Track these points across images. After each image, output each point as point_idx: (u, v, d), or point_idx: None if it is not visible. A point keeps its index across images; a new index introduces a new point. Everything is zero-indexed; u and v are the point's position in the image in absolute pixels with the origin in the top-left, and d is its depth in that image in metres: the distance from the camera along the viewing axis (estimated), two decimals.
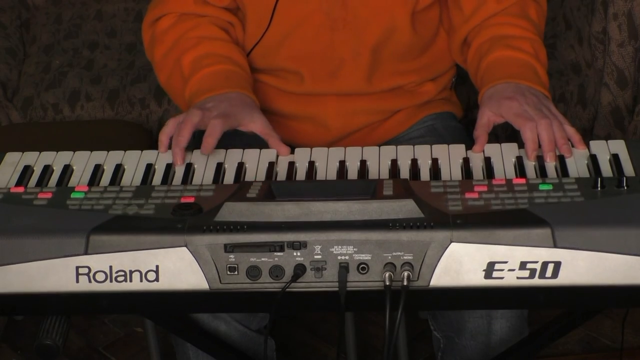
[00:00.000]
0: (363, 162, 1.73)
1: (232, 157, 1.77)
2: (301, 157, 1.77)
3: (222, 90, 1.86)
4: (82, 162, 1.75)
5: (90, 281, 1.45)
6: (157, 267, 1.45)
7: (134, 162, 1.75)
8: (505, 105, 1.79)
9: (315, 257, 1.44)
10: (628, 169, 1.65)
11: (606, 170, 1.66)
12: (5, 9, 3.08)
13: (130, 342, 2.68)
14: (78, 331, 2.69)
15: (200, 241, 1.44)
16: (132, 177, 1.72)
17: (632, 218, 1.45)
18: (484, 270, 1.43)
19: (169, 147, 1.77)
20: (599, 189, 1.52)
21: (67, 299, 1.47)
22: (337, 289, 1.44)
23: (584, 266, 1.42)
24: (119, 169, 1.73)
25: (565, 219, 1.44)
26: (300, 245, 1.44)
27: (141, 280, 1.45)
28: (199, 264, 1.44)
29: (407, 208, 1.45)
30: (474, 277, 1.43)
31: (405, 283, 1.42)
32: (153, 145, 2.59)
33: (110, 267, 1.45)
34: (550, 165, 1.69)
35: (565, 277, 1.43)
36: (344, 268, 1.44)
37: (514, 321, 1.88)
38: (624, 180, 1.53)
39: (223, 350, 1.89)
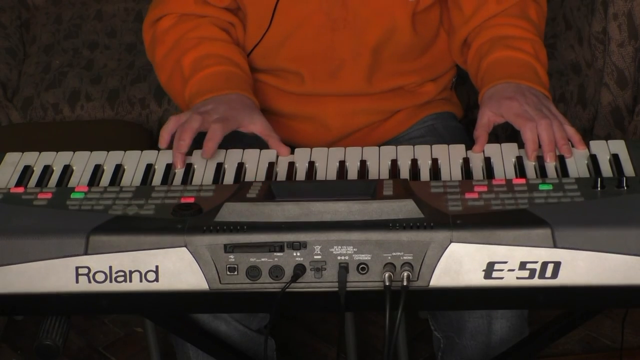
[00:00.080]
0: (363, 162, 1.73)
1: (232, 158, 1.77)
2: (301, 157, 1.77)
3: (222, 92, 1.87)
4: (82, 162, 1.75)
5: (90, 281, 1.45)
6: (157, 267, 1.45)
7: (134, 163, 1.75)
8: (505, 105, 1.79)
9: (315, 257, 1.44)
10: (628, 169, 1.65)
11: (606, 170, 1.66)
12: (5, 9, 3.08)
13: (130, 342, 2.68)
14: (78, 331, 2.69)
15: (200, 241, 1.44)
16: (132, 177, 1.72)
17: (632, 218, 1.45)
18: (483, 271, 1.43)
19: (169, 147, 1.77)
20: (599, 189, 1.52)
21: (67, 299, 1.47)
22: (337, 289, 1.44)
23: (583, 266, 1.42)
24: (119, 169, 1.73)
25: (565, 219, 1.44)
26: (300, 246, 1.44)
27: (141, 281, 1.45)
28: (198, 264, 1.44)
29: (407, 208, 1.45)
30: (473, 277, 1.43)
31: (405, 283, 1.42)
32: (153, 145, 2.59)
33: (110, 268, 1.45)
34: (550, 165, 1.69)
35: (565, 277, 1.43)
36: (343, 268, 1.44)
37: (514, 321, 1.88)
38: (624, 180, 1.53)
39: (223, 350, 1.89)
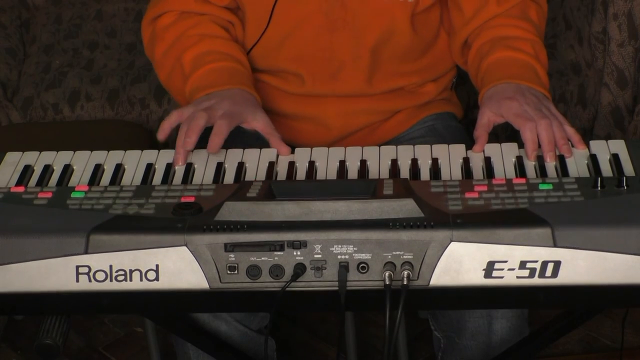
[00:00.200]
0: (363, 162, 1.73)
1: (232, 157, 1.77)
2: (301, 157, 1.77)
3: (225, 87, 1.86)
4: (82, 162, 1.75)
5: (90, 281, 1.45)
6: (157, 266, 1.45)
7: (134, 162, 1.75)
8: (505, 105, 1.79)
9: (315, 256, 1.44)
10: (628, 169, 1.65)
11: (606, 170, 1.66)
12: (5, 9, 3.08)
13: (130, 342, 2.68)
14: (78, 331, 2.69)
15: (201, 241, 1.44)
16: (132, 176, 1.72)
17: (632, 218, 1.45)
18: (483, 270, 1.43)
19: (171, 142, 1.77)
20: (599, 188, 1.53)
21: (67, 299, 1.47)
22: (337, 288, 1.44)
23: (583, 266, 1.42)
24: (119, 169, 1.73)
25: (565, 218, 1.44)
26: (300, 245, 1.44)
27: (141, 280, 1.45)
28: (199, 264, 1.44)
29: (407, 208, 1.45)
30: (473, 277, 1.43)
31: (405, 282, 1.42)
32: (153, 145, 2.59)
33: (111, 267, 1.45)
34: (550, 165, 1.69)
35: (565, 277, 1.43)
36: (343, 267, 1.44)
37: (514, 321, 1.88)
38: (624, 180, 1.53)
39: (223, 350, 1.89)
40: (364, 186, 1.55)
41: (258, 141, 1.84)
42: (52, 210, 1.53)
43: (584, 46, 2.62)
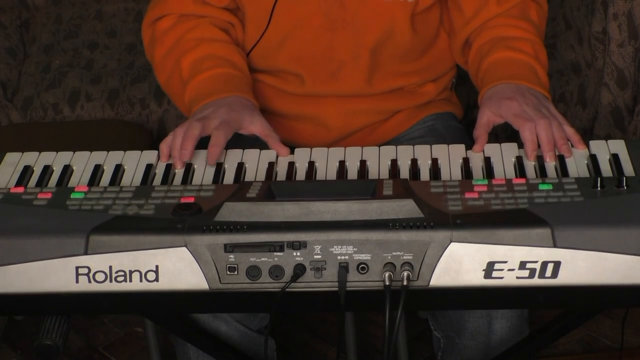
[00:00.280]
0: (363, 162, 1.73)
1: (232, 157, 1.77)
2: (301, 157, 1.77)
3: (221, 95, 1.86)
4: (82, 162, 1.75)
5: (90, 281, 1.45)
6: (157, 267, 1.45)
7: (134, 162, 1.75)
8: (504, 105, 1.79)
9: (315, 257, 1.44)
10: (628, 169, 1.65)
11: (606, 170, 1.66)
12: (5, 9, 3.08)
13: (130, 342, 2.68)
14: (78, 331, 2.69)
15: (200, 241, 1.44)
16: (132, 177, 1.72)
17: (632, 218, 1.45)
18: (483, 270, 1.43)
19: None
20: (599, 189, 1.52)
21: (67, 299, 1.47)
22: (337, 289, 1.44)
23: (583, 266, 1.42)
24: (119, 169, 1.73)
25: (565, 219, 1.44)
26: (300, 245, 1.44)
27: (141, 280, 1.45)
28: (198, 264, 1.44)
29: (407, 208, 1.45)
30: (473, 277, 1.43)
31: (405, 283, 1.42)
32: (153, 145, 2.59)
33: (110, 267, 1.45)
34: (550, 165, 1.69)
35: (565, 277, 1.43)
36: (343, 268, 1.44)
37: (514, 321, 1.88)
38: (624, 180, 1.53)
39: (223, 350, 1.89)
40: (363, 186, 1.55)
41: (258, 142, 1.84)
42: (52, 210, 1.53)
43: (584, 46, 2.62)
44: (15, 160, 1.75)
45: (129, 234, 1.45)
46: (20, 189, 1.61)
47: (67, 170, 1.72)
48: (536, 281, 1.43)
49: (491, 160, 1.72)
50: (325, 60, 1.98)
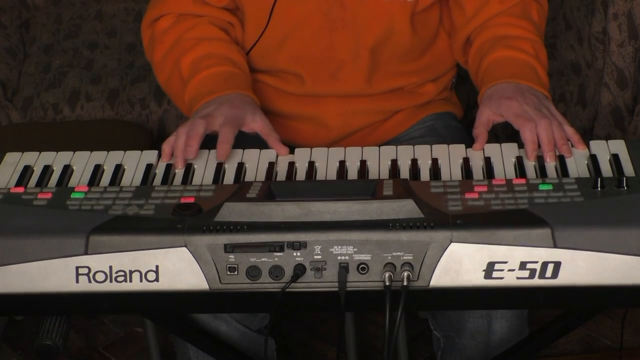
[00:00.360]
0: (363, 162, 1.73)
1: (232, 157, 1.77)
2: (301, 157, 1.77)
3: (222, 93, 1.87)
4: (82, 162, 1.75)
5: (90, 281, 1.45)
6: (157, 267, 1.45)
7: (134, 162, 1.75)
8: (505, 104, 1.79)
9: (315, 257, 1.44)
10: (628, 169, 1.65)
11: (606, 170, 1.66)
12: (5, 9, 3.08)
13: (130, 342, 2.68)
14: (78, 331, 2.69)
15: (200, 241, 1.44)
16: (132, 177, 1.72)
17: (632, 218, 1.45)
18: (483, 271, 1.43)
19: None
20: (599, 189, 1.52)
21: (67, 299, 1.47)
22: (337, 289, 1.44)
23: (584, 266, 1.42)
24: (119, 169, 1.73)
25: (565, 219, 1.44)
26: (300, 246, 1.44)
27: (141, 281, 1.45)
28: (198, 264, 1.44)
29: (407, 208, 1.45)
30: (473, 277, 1.43)
31: (405, 283, 1.42)
32: (153, 145, 2.59)
33: (110, 268, 1.45)
34: (550, 165, 1.69)
35: (565, 277, 1.43)
36: (343, 268, 1.44)
37: (514, 321, 1.88)
38: (624, 180, 1.53)
39: (223, 350, 1.89)
40: (363, 187, 1.55)
41: (258, 142, 1.84)
42: (52, 211, 1.53)
43: (584, 46, 2.62)
44: (15, 160, 1.75)
45: (129, 234, 1.45)
46: (20, 189, 1.61)
47: (67, 170, 1.72)
48: (536, 281, 1.43)
49: (491, 160, 1.72)
50: (325, 60, 1.98)
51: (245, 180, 1.71)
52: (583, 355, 2.58)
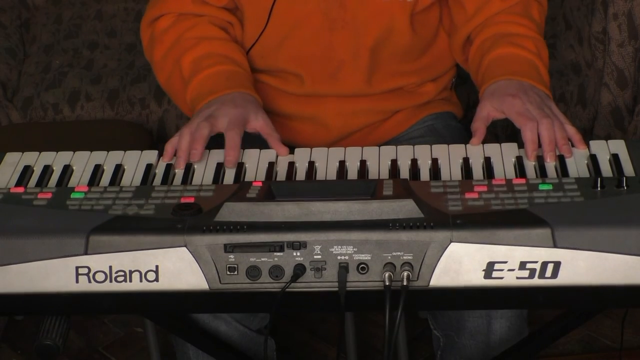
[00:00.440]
0: (363, 162, 1.73)
1: None
2: (301, 157, 1.77)
3: (224, 92, 1.87)
4: (82, 162, 1.75)
5: (90, 281, 1.45)
6: (156, 267, 1.45)
7: (134, 162, 1.75)
8: (507, 102, 1.79)
9: (315, 257, 1.44)
10: (628, 169, 1.65)
11: (606, 170, 1.66)
12: (5, 9, 3.08)
13: (130, 342, 2.68)
14: (78, 331, 2.69)
15: (200, 241, 1.44)
16: (132, 177, 1.72)
17: (632, 218, 1.45)
18: (483, 270, 1.43)
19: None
20: (599, 189, 1.52)
21: (67, 299, 1.47)
22: (337, 289, 1.44)
23: (583, 266, 1.42)
24: (119, 169, 1.73)
25: (565, 219, 1.44)
26: (300, 246, 1.44)
27: (141, 281, 1.45)
28: (198, 264, 1.44)
29: (407, 208, 1.45)
30: (473, 277, 1.43)
31: (405, 283, 1.42)
32: (153, 145, 2.59)
33: (110, 267, 1.45)
34: (550, 165, 1.69)
35: (565, 277, 1.43)
36: (343, 268, 1.44)
37: (514, 321, 1.88)
38: (624, 180, 1.53)
39: (223, 350, 1.89)
40: (363, 187, 1.55)
41: (258, 141, 1.84)
42: (52, 211, 1.53)
43: (584, 46, 2.62)
44: (15, 160, 1.75)
45: (129, 234, 1.45)
46: (20, 189, 1.61)
47: (67, 170, 1.72)
48: (536, 281, 1.43)
49: (491, 160, 1.72)
50: (324, 60, 1.98)
51: (245, 180, 1.71)
52: (583, 355, 2.58)
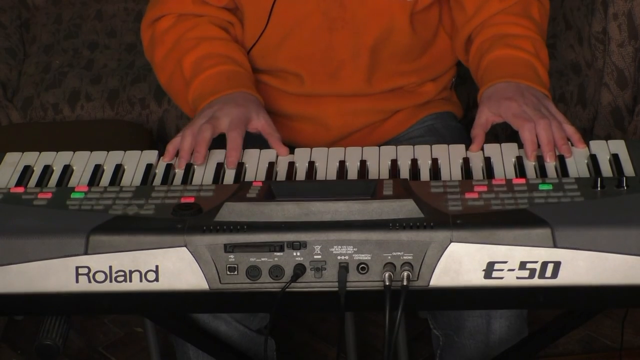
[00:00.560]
0: (363, 162, 1.73)
1: None
2: (301, 157, 1.77)
3: (226, 92, 1.87)
4: (82, 162, 1.75)
5: (90, 281, 1.45)
6: (157, 267, 1.45)
7: (134, 162, 1.75)
8: (504, 105, 1.79)
9: (315, 257, 1.44)
10: (628, 169, 1.65)
11: (606, 170, 1.66)
12: (5, 9, 3.08)
13: (130, 342, 2.68)
14: (78, 331, 2.69)
15: (200, 241, 1.44)
16: (132, 177, 1.72)
17: (632, 218, 1.45)
18: (483, 270, 1.43)
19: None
20: (599, 189, 1.52)
21: (67, 299, 1.47)
22: (337, 289, 1.44)
23: (583, 266, 1.42)
24: (119, 169, 1.73)
25: (565, 219, 1.44)
26: (300, 245, 1.44)
27: (141, 281, 1.45)
28: (198, 264, 1.44)
29: (407, 208, 1.45)
30: (473, 277, 1.43)
31: (405, 283, 1.42)
32: (153, 145, 2.59)
33: (110, 267, 1.45)
34: (550, 165, 1.69)
35: (565, 277, 1.43)
36: (343, 268, 1.44)
37: (513, 320, 1.88)
38: (624, 180, 1.53)
39: (223, 350, 1.89)
40: (363, 186, 1.55)
41: (259, 141, 1.84)
42: (52, 210, 1.53)
43: (584, 46, 2.62)
44: (15, 160, 1.75)
45: (129, 234, 1.45)
46: (20, 189, 1.61)
47: (67, 170, 1.72)
48: (536, 281, 1.43)
49: (491, 160, 1.72)
50: (324, 59, 1.98)
51: (245, 180, 1.71)
52: (583, 355, 2.58)
